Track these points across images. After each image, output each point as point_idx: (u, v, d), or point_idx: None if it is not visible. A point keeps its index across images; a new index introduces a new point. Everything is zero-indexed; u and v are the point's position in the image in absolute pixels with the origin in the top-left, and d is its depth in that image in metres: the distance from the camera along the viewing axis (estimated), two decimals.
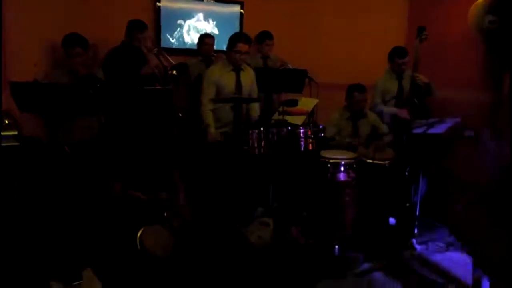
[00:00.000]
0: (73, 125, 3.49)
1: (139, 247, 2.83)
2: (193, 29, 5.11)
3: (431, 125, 3.19)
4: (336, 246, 3.34)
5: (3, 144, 2.64)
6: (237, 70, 3.89)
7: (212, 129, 3.76)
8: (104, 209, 2.95)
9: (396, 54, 4.33)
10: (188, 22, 5.08)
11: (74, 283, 2.61)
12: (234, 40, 3.81)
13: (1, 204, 2.78)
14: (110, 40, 4.07)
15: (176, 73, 4.04)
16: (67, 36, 3.54)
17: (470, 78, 4.56)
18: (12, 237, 2.82)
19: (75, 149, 3.43)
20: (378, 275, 3.05)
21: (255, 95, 4.06)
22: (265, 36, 4.76)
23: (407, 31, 5.49)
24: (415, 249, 3.39)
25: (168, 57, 4.11)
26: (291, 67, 4.86)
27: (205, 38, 4.66)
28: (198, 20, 5.13)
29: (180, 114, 4.24)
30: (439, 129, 3.35)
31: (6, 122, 2.79)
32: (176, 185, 3.49)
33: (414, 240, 3.47)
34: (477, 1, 1.22)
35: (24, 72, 3.24)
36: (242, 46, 3.78)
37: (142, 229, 2.88)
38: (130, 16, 4.12)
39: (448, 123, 3.30)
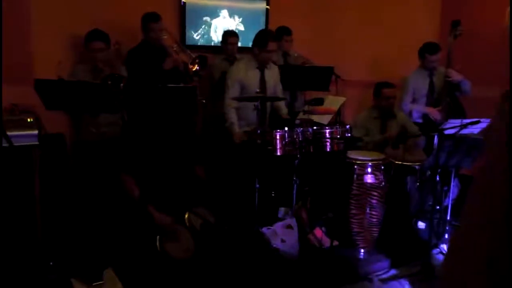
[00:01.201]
0: (96, 122, 3.50)
1: (159, 248, 2.80)
2: (219, 27, 5.05)
3: (465, 126, 3.03)
4: (362, 250, 3.25)
5: (23, 144, 2.66)
6: (262, 68, 3.81)
7: (236, 128, 3.70)
8: (125, 210, 2.94)
9: (427, 51, 4.17)
10: (214, 21, 5.03)
11: (95, 284, 2.61)
12: (264, 39, 3.70)
13: (22, 203, 2.80)
14: (134, 37, 4.06)
15: (198, 68, 3.96)
16: (89, 32, 3.56)
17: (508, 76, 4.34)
18: (34, 236, 2.83)
19: (98, 146, 3.44)
20: (405, 282, 2.94)
21: (279, 93, 3.98)
22: (283, 32, 4.62)
23: (440, 26, 5.28)
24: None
25: (189, 52, 4.03)
26: (311, 64, 4.72)
27: (229, 37, 4.57)
28: (223, 17, 5.07)
29: (203, 101, 4.16)
30: (474, 129, 3.19)
31: (28, 120, 2.80)
32: (200, 180, 3.44)
33: (444, 246, 3.34)
34: None
35: (48, 70, 3.25)
36: (273, 45, 3.71)
37: (161, 232, 2.85)
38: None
39: (483, 123, 3.14)
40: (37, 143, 2.71)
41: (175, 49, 3.97)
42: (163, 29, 3.97)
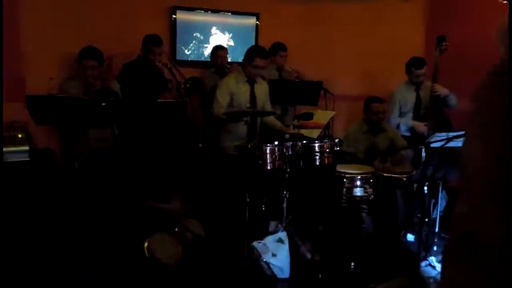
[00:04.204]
0: (87, 136, 3.50)
1: (147, 254, 2.79)
2: (209, 42, 5.11)
3: (452, 139, 3.08)
4: (352, 263, 3.26)
5: (14, 160, 2.66)
6: (251, 82, 3.86)
7: None
8: (113, 217, 2.94)
9: (413, 65, 4.25)
10: (204, 37, 5.08)
11: None
12: (252, 54, 3.75)
13: (13, 218, 2.79)
14: (125, 52, 4.09)
15: (190, 86, 4.02)
16: (83, 49, 3.58)
17: None
18: (24, 249, 2.82)
19: (89, 161, 3.44)
20: None
21: (268, 108, 4.02)
22: (278, 48, 4.72)
23: (426, 41, 5.39)
24: (434, 267, 3.28)
25: (181, 72, 4.10)
26: (307, 79, 4.80)
27: (218, 50, 4.65)
28: (214, 33, 5.13)
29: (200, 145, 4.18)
30: (460, 142, 3.24)
31: (19, 136, 2.81)
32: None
33: (433, 258, 3.36)
34: (501, 19, 1.16)
35: (40, 86, 3.27)
36: (260, 61, 3.73)
37: (150, 237, 2.84)
38: (145, 28, 4.15)
39: None
40: (28, 159, 2.72)
41: (169, 66, 4.03)
42: (163, 52, 4.04)
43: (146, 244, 2.80)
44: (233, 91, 3.79)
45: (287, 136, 3.61)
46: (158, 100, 3.43)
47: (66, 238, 3.07)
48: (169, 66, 4.01)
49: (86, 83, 3.56)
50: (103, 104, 3.05)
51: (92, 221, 3.08)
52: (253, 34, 5.28)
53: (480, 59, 4.47)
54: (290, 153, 3.21)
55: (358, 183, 3.28)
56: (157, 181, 3.15)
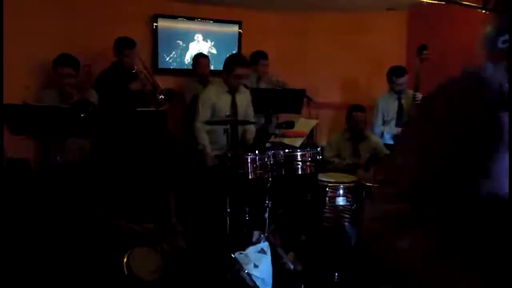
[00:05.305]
0: (64, 147, 3.42)
1: (126, 271, 2.71)
2: (191, 51, 5.07)
3: None
4: (336, 273, 3.23)
5: None
6: (233, 91, 3.81)
7: (208, 150, 3.67)
8: (89, 234, 2.86)
9: (394, 74, 4.27)
10: (186, 45, 5.05)
11: None
12: (231, 63, 3.67)
13: None
14: (105, 61, 4.03)
15: (164, 98, 3.93)
16: (59, 56, 3.49)
17: None
18: None
19: (65, 171, 3.36)
20: None
21: (251, 117, 3.97)
22: (259, 56, 4.69)
23: (407, 50, 5.43)
24: None
25: (157, 81, 4.02)
26: (289, 87, 4.79)
27: (200, 58, 4.61)
28: (196, 41, 5.10)
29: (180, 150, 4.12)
30: None
31: None
32: (169, 208, 3.39)
33: None
34: (487, 26, 1.14)
35: (14, 94, 3.18)
36: (240, 70, 3.66)
37: (129, 252, 2.77)
38: (127, 36, 4.07)
39: None
40: None
41: (145, 74, 3.96)
42: (136, 54, 3.97)
43: (125, 260, 2.72)
44: (214, 102, 3.74)
45: (268, 144, 3.58)
46: (137, 109, 3.36)
47: (39, 253, 2.99)
48: (144, 73, 3.94)
49: (62, 92, 3.47)
50: (82, 115, 3.00)
51: (66, 236, 3.00)
52: (236, 42, 5.27)
53: (461, 68, 4.53)
54: (272, 162, 3.17)
55: (341, 192, 3.25)
56: (135, 194, 3.07)
